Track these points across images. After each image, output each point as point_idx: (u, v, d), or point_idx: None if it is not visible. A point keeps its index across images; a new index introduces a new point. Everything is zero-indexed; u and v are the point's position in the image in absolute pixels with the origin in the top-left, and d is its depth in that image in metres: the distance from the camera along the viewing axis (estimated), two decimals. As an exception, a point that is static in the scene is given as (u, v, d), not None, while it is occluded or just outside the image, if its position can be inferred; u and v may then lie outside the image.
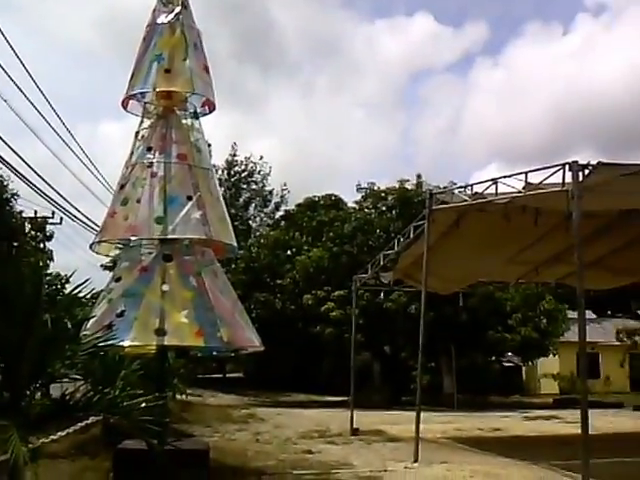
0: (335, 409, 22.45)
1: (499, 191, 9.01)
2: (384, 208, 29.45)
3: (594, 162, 7.05)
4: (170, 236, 9.10)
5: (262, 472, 9.29)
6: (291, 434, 14.65)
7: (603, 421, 17.48)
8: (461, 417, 20.66)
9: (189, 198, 9.26)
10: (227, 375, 39.28)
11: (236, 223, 32.45)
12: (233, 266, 28.09)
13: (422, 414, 11.04)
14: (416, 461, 10.32)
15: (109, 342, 6.52)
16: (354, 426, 14.71)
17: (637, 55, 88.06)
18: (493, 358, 35.26)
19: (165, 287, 8.92)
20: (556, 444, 13.69)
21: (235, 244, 10.10)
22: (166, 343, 8.62)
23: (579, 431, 6.73)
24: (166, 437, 8.67)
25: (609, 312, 48.62)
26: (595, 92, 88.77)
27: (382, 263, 14.07)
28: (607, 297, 24.97)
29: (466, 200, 9.85)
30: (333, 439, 13.71)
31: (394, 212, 28.71)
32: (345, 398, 22.17)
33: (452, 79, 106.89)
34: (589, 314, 42.44)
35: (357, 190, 30.42)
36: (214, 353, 12.43)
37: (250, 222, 43.79)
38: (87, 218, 21.09)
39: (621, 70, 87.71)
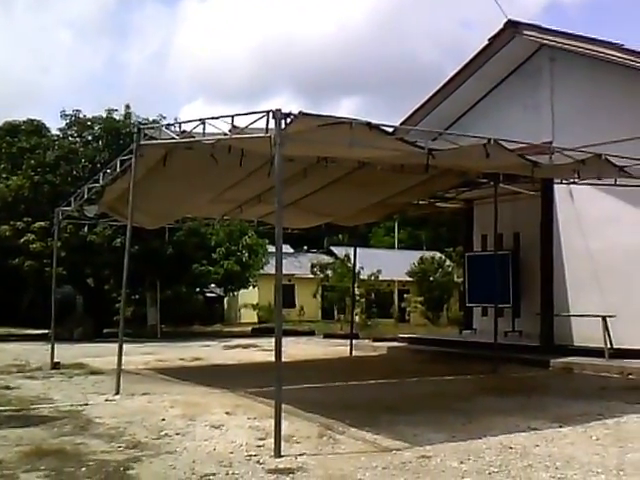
0: (35, 343, 21.70)
1: (207, 131, 9.21)
2: (90, 138, 28.32)
3: (296, 112, 7.46)
4: None
5: (-45, 412, 8.84)
6: (-13, 369, 14.01)
7: (297, 348, 18.98)
8: (164, 348, 21.10)
9: None
10: None
11: None
12: None
13: (125, 346, 11.12)
14: (117, 393, 10.39)
15: None
16: (55, 360, 14.40)
17: (335, 3, 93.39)
18: (197, 290, 36.39)
19: None
20: (253, 372, 14.57)
21: None
22: None
23: (274, 358, 7.02)
24: None
25: (305, 247, 52.27)
26: (295, 36, 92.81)
27: (86, 196, 13.70)
28: (304, 234, 26.79)
29: (174, 138, 9.95)
30: (33, 374, 13.32)
31: (101, 142, 27.76)
32: (46, 331, 21.55)
33: (161, 9, 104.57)
34: (287, 249, 45.27)
35: (61, 117, 28.74)
36: None
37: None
38: None
39: (323, 18, 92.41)
